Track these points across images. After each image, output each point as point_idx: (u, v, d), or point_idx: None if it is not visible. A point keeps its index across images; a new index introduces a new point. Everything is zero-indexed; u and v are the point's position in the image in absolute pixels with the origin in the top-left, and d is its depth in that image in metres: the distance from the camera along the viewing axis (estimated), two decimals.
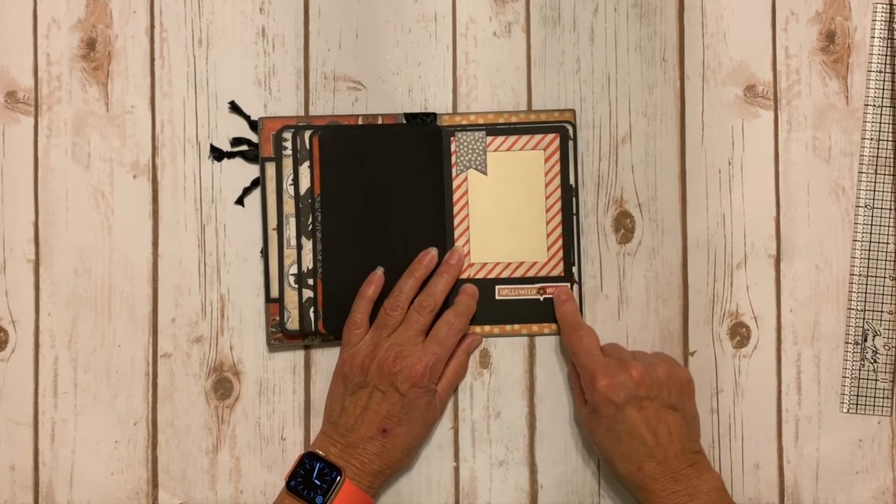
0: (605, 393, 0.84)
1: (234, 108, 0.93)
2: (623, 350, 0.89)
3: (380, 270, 0.91)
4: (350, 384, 0.88)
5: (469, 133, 0.92)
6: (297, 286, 0.91)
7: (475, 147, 0.92)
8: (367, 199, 0.91)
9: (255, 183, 0.93)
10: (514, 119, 0.92)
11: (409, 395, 0.87)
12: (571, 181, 0.92)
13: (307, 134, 0.91)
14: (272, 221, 0.92)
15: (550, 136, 0.92)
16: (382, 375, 0.87)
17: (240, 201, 0.93)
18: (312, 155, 0.91)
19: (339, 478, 0.85)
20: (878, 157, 0.93)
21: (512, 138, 0.92)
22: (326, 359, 0.93)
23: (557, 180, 0.92)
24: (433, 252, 0.91)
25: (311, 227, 0.91)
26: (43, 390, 0.93)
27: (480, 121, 0.92)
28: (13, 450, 0.93)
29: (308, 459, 0.86)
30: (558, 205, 0.92)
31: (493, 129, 0.92)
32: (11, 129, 0.93)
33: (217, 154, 0.93)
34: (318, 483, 0.85)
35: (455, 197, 0.93)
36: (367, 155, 0.91)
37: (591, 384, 0.85)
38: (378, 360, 0.87)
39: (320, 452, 0.87)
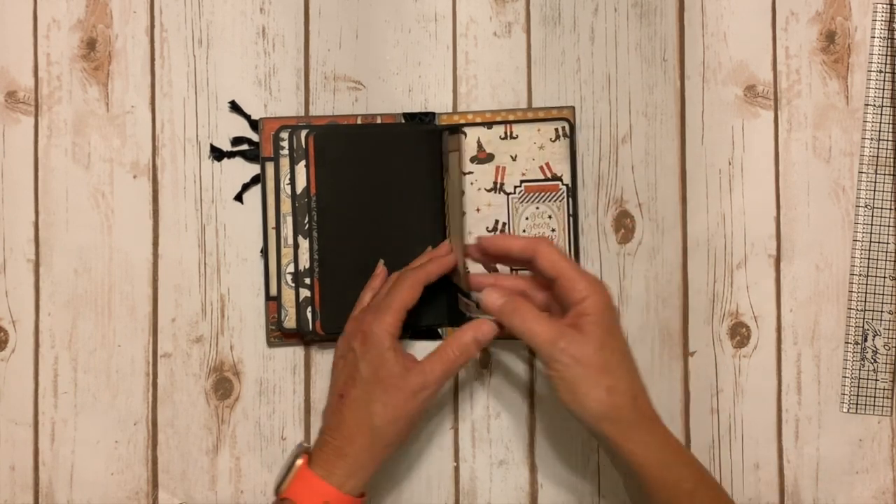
0: (610, 300, 0.80)
1: (235, 107, 0.93)
2: None
3: (381, 263, 0.90)
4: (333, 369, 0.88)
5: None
6: (293, 285, 0.91)
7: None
8: (364, 198, 0.91)
9: (255, 180, 0.93)
10: (511, 118, 0.92)
11: (358, 351, 0.82)
12: (567, 181, 0.92)
13: (303, 133, 0.91)
14: (272, 221, 0.92)
15: None
16: (345, 341, 0.85)
17: (238, 197, 0.93)
18: (308, 154, 0.91)
19: (297, 462, 0.82)
20: (878, 157, 0.93)
21: None
22: (326, 359, 0.93)
23: None
24: (382, 269, 0.90)
25: (307, 226, 0.91)
26: (43, 390, 0.93)
27: (479, 120, 0.92)
28: (13, 450, 0.93)
29: (293, 450, 0.85)
30: None
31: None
32: (11, 129, 0.94)
33: (217, 154, 0.93)
34: (285, 471, 0.83)
35: None
36: (364, 154, 0.91)
37: (597, 287, 0.79)
38: (346, 330, 0.87)
39: (305, 444, 0.86)
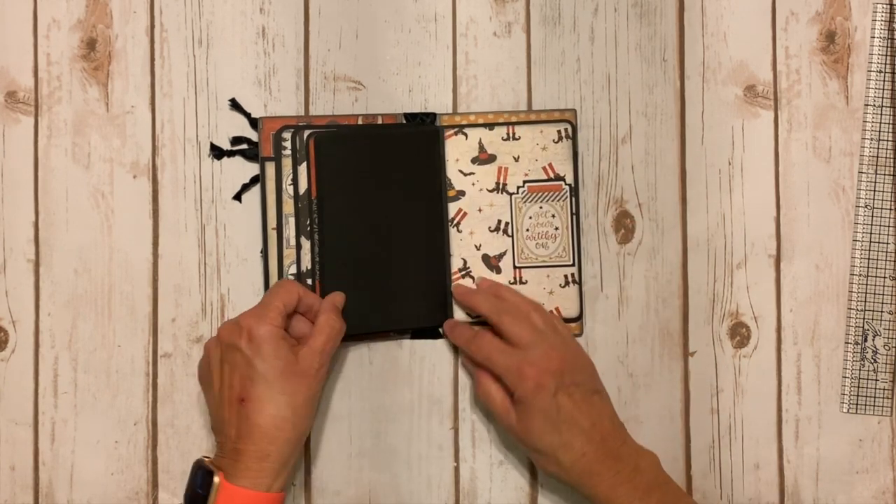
0: (538, 381, 0.83)
1: (235, 105, 0.93)
2: (523, 333, 0.86)
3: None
4: (206, 383, 0.86)
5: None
6: None
7: None
8: (366, 200, 0.91)
9: (255, 180, 0.93)
10: (513, 119, 0.92)
11: (248, 351, 0.82)
12: (570, 181, 0.92)
13: (306, 134, 0.91)
14: (272, 221, 0.92)
15: None
16: (223, 346, 0.83)
17: (237, 197, 0.93)
18: (309, 156, 0.91)
19: (214, 480, 0.80)
20: (878, 157, 0.93)
21: None
22: None
23: None
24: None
25: (309, 228, 0.91)
26: (43, 390, 0.93)
27: (480, 121, 0.92)
28: (13, 450, 0.93)
29: (193, 469, 0.83)
30: None
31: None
32: (11, 129, 0.93)
33: (217, 152, 0.93)
34: (201, 492, 0.80)
35: None
36: (365, 156, 0.91)
37: (520, 377, 0.84)
38: (215, 338, 0.84)
39: (205, 458, 0.83)
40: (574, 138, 0.92)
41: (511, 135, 0.92)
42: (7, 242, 0.93)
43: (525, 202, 0.92)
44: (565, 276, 0.92)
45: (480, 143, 0.92)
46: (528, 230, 0.92)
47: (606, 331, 0.93)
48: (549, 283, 0.92)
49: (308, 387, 0.83)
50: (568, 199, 0.92)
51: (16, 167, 0.93)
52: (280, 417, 0.81)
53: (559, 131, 0.92)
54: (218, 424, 0.84)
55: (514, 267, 0.92)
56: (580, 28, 0.94)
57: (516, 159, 0.92)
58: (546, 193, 0.92)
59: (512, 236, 0.92)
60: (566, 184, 0.92)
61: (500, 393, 0.87)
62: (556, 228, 0.92)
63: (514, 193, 0.92)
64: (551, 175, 0.92)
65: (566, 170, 0.92)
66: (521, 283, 0.92)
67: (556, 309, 0.92)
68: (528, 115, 0.92)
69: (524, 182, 0.92)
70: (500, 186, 0.92)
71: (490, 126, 0.92)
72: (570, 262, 0.92)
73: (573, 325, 0.92)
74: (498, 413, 0.87)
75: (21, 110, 0.93)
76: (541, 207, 0.92)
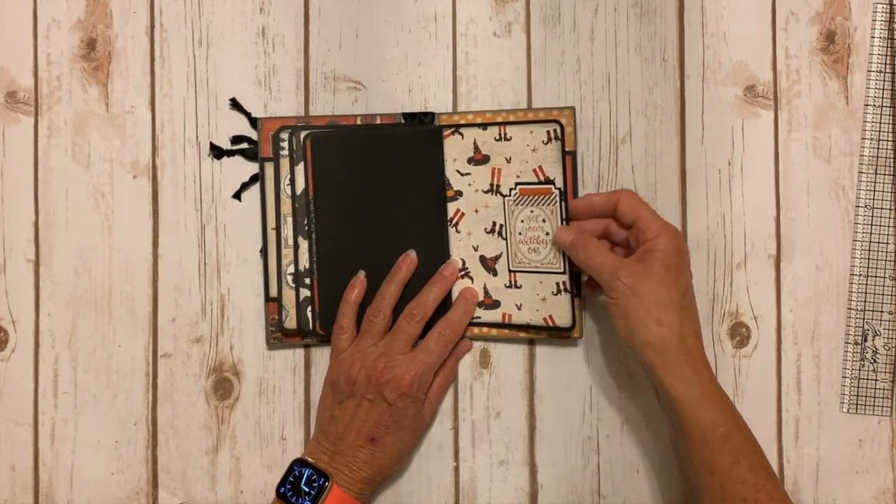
0: (684, 249, 0.84)
1: (235, 104, 0.93)
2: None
3: (361, 274, 0.91)
4: (338, 393, 0.88)
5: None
6: (294, 285, 0.91)
7: None
8: (362, 199, 0.91)
9: (254, 178, 0.93)
10: (511, 118, 0.92)
11: (396, 405, 0.86)
12: (560, 184, 0.90)
13: (303, 134, 0.91)
14: (271, 221, 0.92)
15: None
16: (370, 385, 0.87)
17: (237, 196, 0.93)
18: (306, 157, 0.91)
19: (326, 484, 0.85)
20: (878, 157, 0.93)
21: None
22: (327, 359, 0.93)
23: None
24: (412, 255, 0.91)
25: (306, 227, 0.91)
26: (43, 390, 0.93)
27: (478, 120, 0.92)
28: (13, 450, 0.93)
29: (297, 466, 0.87)
30: None
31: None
32: (11, 129, 0.94)
33: (217, 152, 0.93)
34: (307, 490, 0.85)
35: None
36: (361, 156, 0.91)
37: (671, 234, 0.83)
38: (366, 370, 0.87)
39: (310, 459, 0.87)
40: (562, 139, 0.89)
41: (503, 135, 0.91)
42: (7, 242, 0.93)
43: (517, 205, 0.91)
44: (557, 284, 0.91)
45: (475, 142, 0.92)
46: (520, 234, 0.91)
47: (606, 331, 0.93)
48: (542, 289, 0.91)
49: (425, 430, 0.93)
50: (557, 203, 0.90)
51: (16, 167, 0.93)
52: (395, 461, 0.89)
53: (549, 132, 0.90)
54: (330, 431, 0.88)
55: (509, 270, 0.92)
56: (580, 28, 0.94)
57: (508, 160, 0.91)
58: (537, 197, 0.91)
59: (506, 239, 0.92)
60: (556, 188, 0.90)
61: (609, 251, 0.86)
62: (547, 234, 0.90)
63: (506, 195, 0.92)
64: (541, 178, 0.90)
65: (555, 173, 0.90)
66: (516, 286, 0.92)
67: (550, 317, 0.91)
68: (525, 114, 0.92)
69: (516, 184, 0.91)
70: (494, 188, 0.92)
71: (484, 126, 0.92)
72: (562, 270, 0.90)
73: (568, 333, 0.91)
74: (607, 266, 0.83)
75: (21, 110, 0.94)
76: (532, 211, 0.91)
